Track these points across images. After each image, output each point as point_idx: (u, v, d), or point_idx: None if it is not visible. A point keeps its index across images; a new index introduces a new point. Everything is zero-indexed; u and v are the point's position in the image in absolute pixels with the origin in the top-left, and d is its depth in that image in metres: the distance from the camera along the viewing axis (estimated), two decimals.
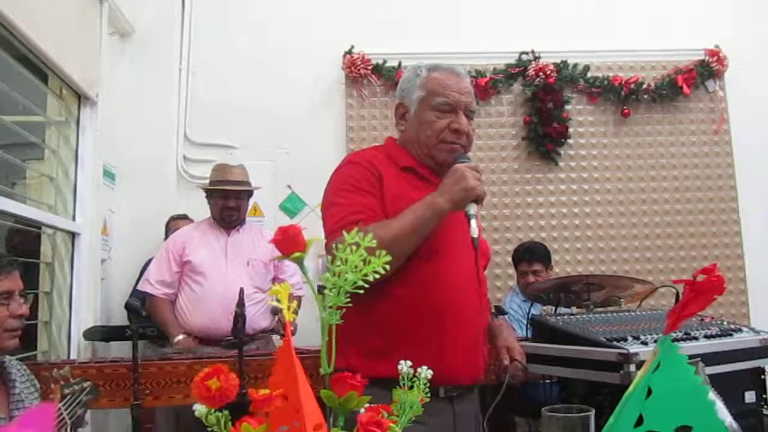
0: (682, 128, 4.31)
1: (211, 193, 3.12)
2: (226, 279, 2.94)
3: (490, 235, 4.04)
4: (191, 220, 3.56)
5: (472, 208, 1.44)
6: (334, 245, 1.22)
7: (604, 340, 1.66)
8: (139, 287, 3.05)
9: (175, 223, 3.61)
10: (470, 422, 1.57)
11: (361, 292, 0.70)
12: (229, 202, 3.06)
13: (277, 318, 3.10)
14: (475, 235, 1.41)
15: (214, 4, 4.14)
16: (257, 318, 3.03)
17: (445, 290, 1.48)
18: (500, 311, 2.86)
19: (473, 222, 1.42)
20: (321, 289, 0.73)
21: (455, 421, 1.51)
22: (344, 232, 1.27)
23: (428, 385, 0.82)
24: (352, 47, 4.07)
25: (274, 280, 3.16)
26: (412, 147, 1.60)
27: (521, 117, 4.21)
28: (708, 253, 4.21)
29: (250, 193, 3.21)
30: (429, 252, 1.46)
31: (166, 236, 3.60)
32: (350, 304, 1.27)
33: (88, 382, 1.71)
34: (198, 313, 2.95)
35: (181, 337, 2.89)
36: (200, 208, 3.38)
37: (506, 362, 1.63)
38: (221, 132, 4.01)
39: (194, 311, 2.96)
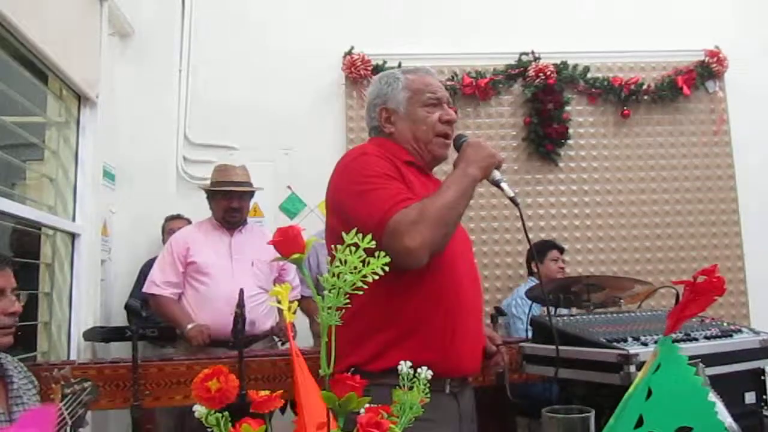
0: (682, 129, 4.31)
1: (213, 194, 3.11)
2: (233, 279, 2.93)
3: (490, 235, 4.03)
4: (187, 220, 3.55)
5: (497, 174, 1.56)
6: (396, 220, 1.35)
7: (604, 341, 1.66)
8: (144, 290, 3.03)
9: (170, 223, 3.60)
10: (471, 421, 1.58)
11: (360, 292, 0.70)
12: (232, 203, 3.06)
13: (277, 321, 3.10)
14: (512, 195, 1.54)
15: (214, 4, 4.14)
16: (262, 319, 3.03)
17: (457, 283, 1.52)
18: (500, 312, 2.87)
19: (505, 185, 1.56)
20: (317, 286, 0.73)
21: (460, 419, 1.52)
22: (398, 212, 1.35)
23: (436, 378, 0.81)
24: (352, 48, 4.07)
25: (277, 281, 3.16)
26: (408, 144, 1.62)
27: (521, 118, 4.21)
28: (708, 254, 4.21)
29: (252, 194, 3.21)
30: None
31: (163, 237, 3.60)
32: (370, 298, 1.29)
33: (89, 382, 1.71)
34: (204, 313, 2.94)
35: (192, 325, 2.89)
36: (200, 209, 3.37)
37: (494, 349, 1.67)
38: (221, 132, 4.01)
39: (200, 312, 2.95)
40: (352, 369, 1.26)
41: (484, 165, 1.52)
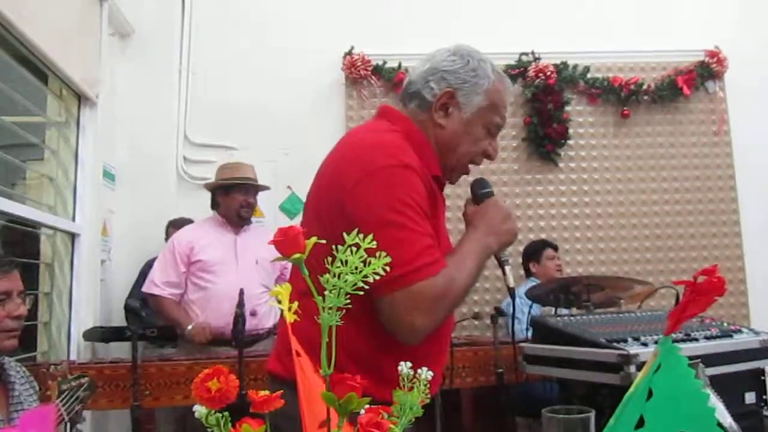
0: (682, 129, 4.31)
1: (228, 190, 3.11)
2: (237, 277, 2.93)
3: None
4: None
5: (506, 252, 1.38)
6: (421, 288, 1.12)
7: (604, 341, 1.66)
8: (144, 289, 3.04)
9: (175, 230, 3.59)
10: None
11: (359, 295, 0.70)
12: (249, 198, 3.09)
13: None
14: (512, 285, 1.37)
15: (214, 4, 4.14)
16: (266, 317, 3.03)
17: None
18: (500, 312, 2.87)
19: (508, 269, 1.37)
20: None
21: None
22: (428, 276, 1.13)
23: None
24: (352, 48, 4.07)
25: (279, 280, 3.17)
26: (443, 151, 1.33)
27: (521, 118, 4.21)
28: (708, 254, 4.21)
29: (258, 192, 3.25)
30: None
31: (167, 240, 3.59)
32: (361, 325, 1.19)
33: (86, 378, 1.71)
34: (209, 311, 2.95)
35: (192, 324, 2.90)
36: (200, 209, 3.38)
37: None
38: (221, 132, 4.01)
39: (205, 310, 2.96)
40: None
41: (504, 241, 1.33)
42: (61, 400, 1.58)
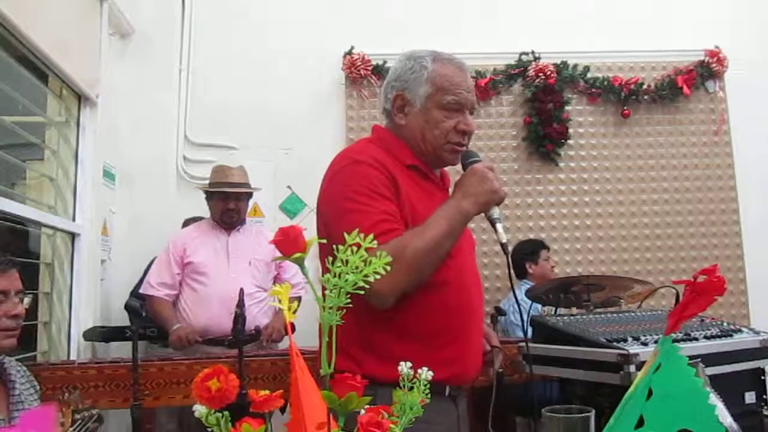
0: (682, 129, 4.31)
1: (210, 195, 3.14)
2: (228, 279, 2.95)
3: (490, 235, 4.03)
4: None
5: (496, 211, 1.43)
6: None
7: (604, 340, 1.66)
8: (141, 290, 3.06)
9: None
10: (466, 423, 1.57)
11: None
12: (228, 204, 3.08)
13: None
14: (504, 240, 1.40)
15: (214, 4, 4.13)
16: (259, 317, 3.04)
17: (464, 291, 1.47)
18: (500, 312, 2.87)
19: (499, 226, 1.41)
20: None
21: (459, 423, 1.51)
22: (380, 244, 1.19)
23: (437, 383, 0.81)
24: (353, 48, 4.07)
25: (276, 279, 3.17)
26: (414, 143, 1.50)
27: (521, 117, 4.21)
28: (708, 253, 4.21)
29: (249, 194, 3.22)
30: (448, 254, 1.43)
31: None
32: (369, 311, 1.25)
33: (96, 410, 1.71)
34: (200, 313, 2.96)
35: (178, 325, 2.91)
36: (200, 209, 3.37)
37: (488, 348, 1.64)
38: (221, 132, 4.01)
39: (196, 311, 2.97)
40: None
41: (483, 201, 1.41)
42: (74, 429, 1.58)
